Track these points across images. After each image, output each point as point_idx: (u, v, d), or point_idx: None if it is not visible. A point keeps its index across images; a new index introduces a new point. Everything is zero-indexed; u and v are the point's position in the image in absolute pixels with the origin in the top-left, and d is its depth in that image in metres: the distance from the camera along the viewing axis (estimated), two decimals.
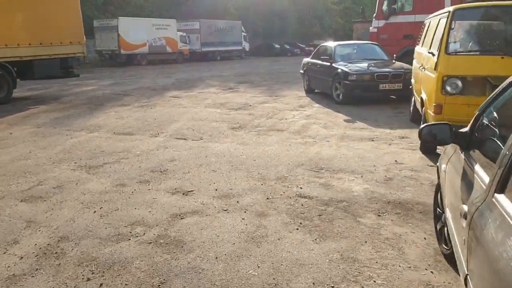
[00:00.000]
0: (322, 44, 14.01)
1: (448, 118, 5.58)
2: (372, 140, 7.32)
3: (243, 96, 13.65)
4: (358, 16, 65.68)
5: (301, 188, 4.97)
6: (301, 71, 14.69)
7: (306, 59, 14.44)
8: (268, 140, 7.43)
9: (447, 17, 5.84)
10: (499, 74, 5.35)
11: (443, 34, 5.79)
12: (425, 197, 4.65)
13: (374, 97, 11.13)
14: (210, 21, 40.53)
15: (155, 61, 33.31)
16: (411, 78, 10.65)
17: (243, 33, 46.34)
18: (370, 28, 15.23)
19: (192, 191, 4.93)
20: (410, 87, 9.39)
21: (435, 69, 5.73)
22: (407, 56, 13.53)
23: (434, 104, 5.65)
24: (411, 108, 8.83)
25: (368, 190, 4.87)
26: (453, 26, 5.78)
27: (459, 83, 5.48)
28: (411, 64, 12.43)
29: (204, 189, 4.97)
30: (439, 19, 6.57)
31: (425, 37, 7.85)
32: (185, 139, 7.64)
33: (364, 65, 11.41)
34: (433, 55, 5.95)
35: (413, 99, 8.75)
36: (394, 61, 12.22)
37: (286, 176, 5.42)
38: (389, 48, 13.11)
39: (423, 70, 6.72)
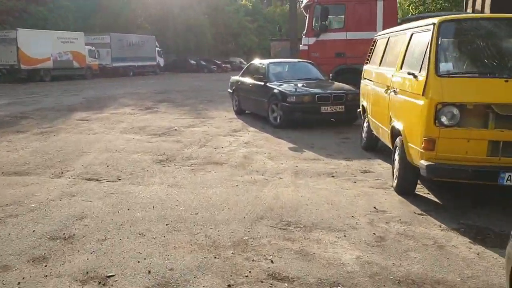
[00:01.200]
0: (252, 62, 12.79)
1: (443, 156, 4.47)
2: (332, 176, 6.08)
3: (165, 117, 12.00)
4: (272, 34, 66.72)
5: (271, 262, 3.52)
6: (230, 90, 13.35)
7: (235, 78, 13.13)
8: (208, 179, 5.93)
9: (432, 31, 4.76)
10: (504, 101, 4.33)
11: (428, 52, 4.69)
12: (440, 269, 3.42)
13: (314, 120, 10.02)
14: (121, 35, 38.20)
15: (60, 77, 30.31)
16: (353, 100, 9.73)
17: (157, 48, 44.36)
18: (300, 45, 14.28)
19: (112, 276, 3.30)
20: (359, 110, 8.38)
21: (423, 94, 4.60)
22: (340, 75, 12.78)
23: (424, 138, 4.49)
24: (364, 135, 7.77)
25: (363, 261, 3.54)
26: (439, 42, 4.71)
27: (457, 112, 4.38)
28: (347, 83, 11.64)
29: (130, 272, 3.36)
30: (411, 34, 5.52)
31: (383, 55, 6.82)
32: (98, 180, 5.91)
33: (301, 85, 10.30)
34: (415, 76, 4.83)
35: (365, 125, 7.70)
36: (330, 80, 11.27)
37: (245, 239, 3.96)
38: (321, 67, 12.19)
39: (393, 93, 5.62)
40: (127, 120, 11.58)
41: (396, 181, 5.39)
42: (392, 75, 5.78)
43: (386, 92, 5.97)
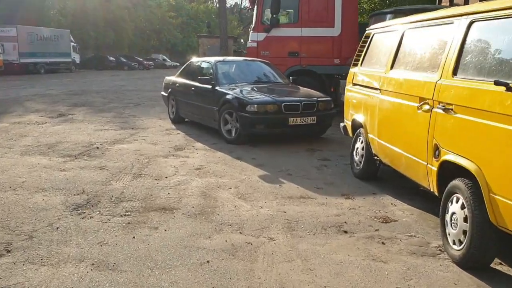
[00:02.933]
0: (194, 60, 10.54)
1: None
2: (345, 232, 4.10)
3: (84, 128, 9.43)
4: (196, 31, 64.20)
5: None
6: (164, 93, 11.00)
7: (171, 78, 10.81)
8: (156, 247, 3.70)
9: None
10: None
11: None
12: None
13: (279, 134, 8.01)
14: (30, 28, 34.00)
15: None
16: (325, 110, 7.86)
17: (73, 44, 40.36)
18: (248, 42, 12.22)
19: None
20: (343, 125, 6.51)
21: None
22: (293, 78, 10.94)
23: None
24: (358, 159, 5.89)
25: None
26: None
27: None
28: (305, 87, 9.82)
29: None
30: (470, 23, 3.65)
31: (397, 54, 4.95)
32: None
33: (261, 90, 8.27)
34: (509, 88, 2.95)
35: (359, 145, 5.82)
36: (291, 84, 9.34)
37: None
38: None
39: (441, 111, 3.72)
40: (33, 133, 8.89)
41: (463, 253, 3.45)
42: (438, 83, 3.88)
43: (422, 108, 4.06)
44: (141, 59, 50.52)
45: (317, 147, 7.71)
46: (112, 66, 44.09)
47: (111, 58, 45.73)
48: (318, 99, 8.00)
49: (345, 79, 12.37)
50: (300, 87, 9.13)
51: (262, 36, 11.69)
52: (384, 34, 5.55)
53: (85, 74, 33.81)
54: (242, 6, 77.05)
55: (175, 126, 9.95)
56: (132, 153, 7.20)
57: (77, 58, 41.20)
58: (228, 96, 8.00)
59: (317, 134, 8.45)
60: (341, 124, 6.64)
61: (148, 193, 5.13)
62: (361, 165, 5.73)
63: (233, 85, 8.58)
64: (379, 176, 5.78)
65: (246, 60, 9.82)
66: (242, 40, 46.76)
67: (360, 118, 5.73)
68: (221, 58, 9.69)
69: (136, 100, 15.42)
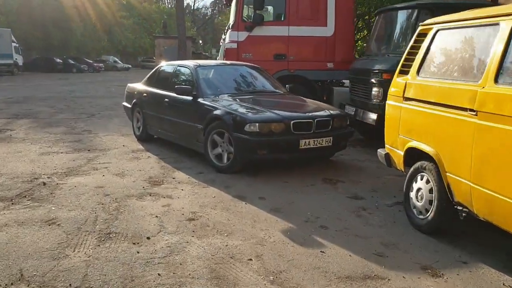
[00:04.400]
0: (165, 64, 8.61)
1: None
2: None
3: (26, 152, 7.33)
4: (149, 32, 61.47)
5: None
6: (126, 105, 9.01)
7: (135, 86, 8.84)
8: None
9: None
10: None
11: None
12: None
13: (285, 160, 6.26)
14: None
15: None
16: (341, 128, 6.21)
17: (15, 44, 36.93)
18: (226, 42, 10.42)
19: None
20: (385, 152, 4.85)
21: None
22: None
23: None
24: (420, 205, 4.24)
25: None
26: None
27: None
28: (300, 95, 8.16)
29: None
30: None
31: (502, 61, 3.32)
32: None
33: (259, 103, 6.52)
34: None
35: (426, 186, 4.18)
36: (289, 94, 7.63)
37: None
38: None
39: None
40: None
41: None
42: None
43: None
44: (91, 61, 47.63)
45: (335, 177, 6.02)
46: (60, 69, 41.04)
47: (58, 60, 42.66)
48: (334, 114, 6.31)
49: (340, 85, 10.90)
50: (303, 98, 7.43)
51: (243, 35, 9.95)
52: (466, 31, 3.90)
53: (29, 78, 30.77)
54: (194, 7, 75.01)
55: (143, 146, 8.00)
56: (93, 192, 5.25)
57: (20, 59, 37.81)
58: (217, 112, 6.17)
59: (326, 156, 6.76)
60: (380, 151, 4.97)
61: (126, 276, 3.25)
62: (430, 215, 4.06)
63: (221, 96, 6.76)
64: (460, 231, 4.15)
65: (232, 64, 7.99)
66: (200, 41, 44.75)
67: (426, 147, 4.07)
68: (201, 62, 7.83)
69: (89, 110, 13.24)
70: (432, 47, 4.30)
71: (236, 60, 9.72)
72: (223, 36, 26.05)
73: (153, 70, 8.59)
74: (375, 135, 8.42)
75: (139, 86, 8.66)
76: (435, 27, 4.31)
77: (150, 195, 5.18)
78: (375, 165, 6.74)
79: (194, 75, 7.06)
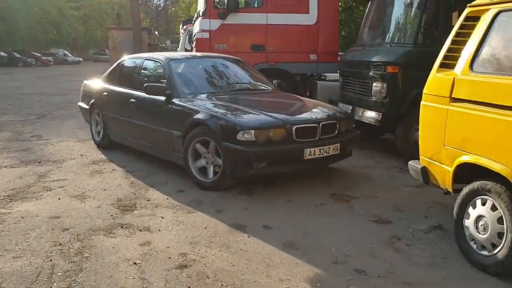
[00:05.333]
0: (129, 58, 7.32)
1: None
2: None
3: None
4: (99, 23, 58.77)
5: None
6: (83, 105, 7.71)
7: (94, 83, 7.56)
8: None
9: None
10: None
11: None
12: None
13: (286, 173, 5.17)
14: None
15: None
16: (347, 132, 5.23)
17: None
18: (196, 31, 9.23)
19: None
20: (421, 166, 3.90)
21: None
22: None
23: None
24: (484, 237, 3.30)
25: None
26: None
27: None
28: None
29: None
30: None
31: None
32: None
33: (249, 104, 5.44)
34: None
35: (493, 214, 3.24)
36: (279, 91, 6.58)
37: None
38: None
39: None
40: None
41: None
42: None
43: None
44: (39, 55, 44.82)
45: (344, 191, 5.02)
46: (4, 63, 38.37)
47: (2, 54, 39.83)
48: (338, 115, 5.31)
49: (321, 79, 9.92)
50: (297, 95, 6.40)
51: (216, 24, 8.80)
52: None
53: None
54: None
55: (105, 155, 6.75)
56: (46, 225, 4.03)
57: None
58: (199, 116, 5.04)
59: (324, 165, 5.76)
60: (414, 165, 4.00)
61: None
62: (500, 252, 3.11)
63: (200, 95, 5.62)
64: None
65: (210, 57, 6.83)
66: (156, 33, 42.90)
67: (493, 164, 3.11)
68: (173, 55, 6.63)
69: (39, 109, 11.72)
70: (491, 34, 3.33)
71: (208, 51, 8.59)
72: (181, 26, 24.65)
73: (114, 65, 7.31)
74: (373, 135, 7.53)
75: (98, 83, 7.37)
76: (494, 8, 3.35)
77: (122, 227, 4.02)
78: (383, 172, 5.82)
79: (167, 70, 5.87)
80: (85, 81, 8.05)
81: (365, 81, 6.60)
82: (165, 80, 5.81)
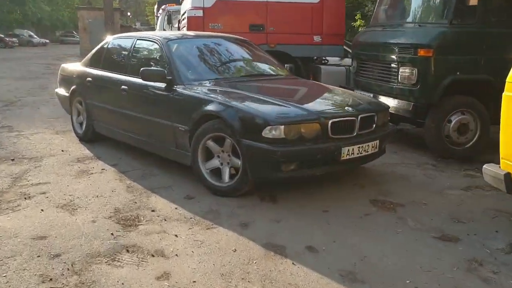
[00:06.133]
0: (118, 38, 6.36)
1: None
2: None
3: None
4: (66, 3, 56.32)
5: None
6: (62, 92, 6.73)
7: (74, 67, 6.58)
8: None
9: None
10: None
11: None
12: None
13: (318, 175, 4.33)
14: None
15: None
16: (385, 126, 4.47)
17: None
18: (189, 9, 8.25)
19: None
20: (505, 173, 3.16)
21: None
22: None
23: None
24: None
25: None
26: None
27: None
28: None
29: None
30: None
31: None
32: None
33: (268, 93, 4.61)
34: None
35: None
36: (294, 76, 5.76)
37: None
38: None
39: None
40: None
41: None
42: None
43: None
44: (2, 35, 42.46)
45: (384, 196, 4.28)
46: None
47: None
48: (376, 107, 4.54)
49: (326, 64, 9.12)
50: (319, 82, 5.59)
51: (210, 1, 7.85)
52: None
53: None
54: None
55: (91, 150, 5.83)
56: (28, 250, 3.14)
57: None
58: (212, 107, 4.18)
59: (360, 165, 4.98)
60: (491, 169, 3.27)
61: None
62: None
63: (208, 82, 4.74)
64: None
65: (211, 36, 5.89)
66: (129, 14, 41.19)
67: None
68: (170, 34, 5.67)
69: (6, 95, 10.56)
70: None
71: (201, 31, 7.68)
72: (156, 7, 23.31)
73: (99, 46, 6.33)
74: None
75: (79, 67, 6.39)
76: None
77: (128, 251, 3.16)
78: (416, 171, 5.11)
79: (166, 52, 4.95)
80: (63, 65, 7.04)
81: (389, 65, 5.84)
82: (163, 64, 4.89)
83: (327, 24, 8.23)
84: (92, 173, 4.91)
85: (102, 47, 6.17)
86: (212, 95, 4.36)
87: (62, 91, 6.76)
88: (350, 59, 9.32)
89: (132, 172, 4.96)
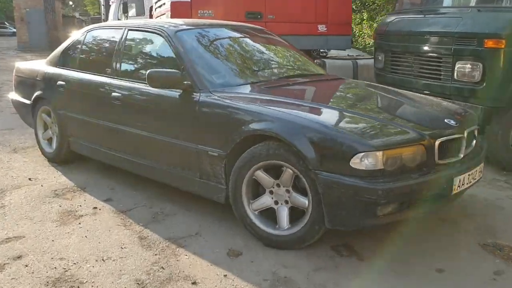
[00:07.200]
0: (104, 27, 4.88)
1: None
2: None
3: None
4: None
5: None
6: (21, 99, 5.25)
7: (38, 67, 5.10)
8: None
9: None
10: None
11: None
12: None
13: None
14: None
15: None
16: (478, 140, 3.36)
17: None
18: None
19: None
20: None
21: None
22: None
23: None
24: None
25: None
26: None
27: None
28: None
29: None
30: None
31: None
32: None
33: (337, 102, 3.46)
34: None
35: None
36: (329, 73, 4.59)
37: None
38: None
39: None
40: None
41: None
42: None
43: None
44: None
45: (493, 238, 3.22)
46: None
47: None
48: (470, 115, 3.46)
49: (325, 57, 8.00)
50: (375, 84, 4.45)
51: None
52: None
53: None
54: None
55: (67, 175, 4.45)
56: None
57: None
58: (265, 124, 2.97)
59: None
60: None
61: None
62: None
63: (241, 87, 3.50)
64: None
65: (224, 26, 4.54)
66: (71, 3, 38.39)
67: None
68: (177, 22, 4.27)
69: None
70: None
71: (185, 17, 6.39)
72: None
73: (71, 40, 4.88)
74: None
75: (45, 67, 4.93)
76: None
77: None
78: (495, 192, 4.11)
79: (177, 47, 3.65)
80: (18, 64, 5.53)
81: (440, 60, 4.80)
82: (172, 63, 3.59)
83: (332, 11, 7.13)
84: (81, 216, 3.56)
85: (76, 41, 4.73)
86: (257, 106, 3.12)
87: (19, 97, 5.27)
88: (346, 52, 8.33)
89: (136, 210, 3.66)
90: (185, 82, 3.41)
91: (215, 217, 3.46)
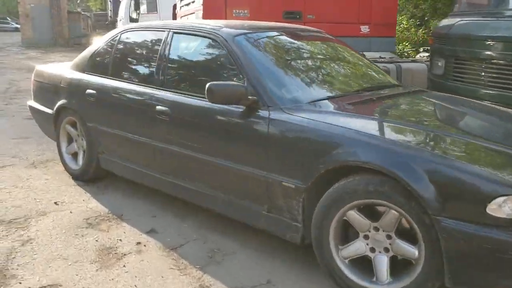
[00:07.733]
0: (137, 29, 4.24)
1: None
2: None
3: None
4: None
5: None
6: (42, 108, 4.67)
7: (62, 72, 4.50)
8: None
9: None
10: None
11: None
12: None
13: None
14: None
15: None
16: None
17: None
18: None
19: None
20: None
21: None
22: None
23: None
24: None
25: None
26: None
27: None
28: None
29: None
30: None
31: None
32: None
33: (456, 124, 2.89)
34: None
35: None
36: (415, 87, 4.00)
37: None
38: None
39: None
40: None
41: None
42: None
43: None
44: None
45: None
46: None
47: None
48: None
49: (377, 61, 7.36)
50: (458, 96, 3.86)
51: None
52: None
53: None
54: None
55: (99, 199, 3.86)
56: None
57: None
58: (365, 154, 2.37)
59: None
60: None
61: None
62: None
63: (319, 103, 2.91)
64: None
65: (282, 28, 3.92)
66: None
67: None
68: (232, 24, 3.67)
69: None
70: None
71: (222, 18, 5.87)
72: None
73: (103, 42, 4.28)
74: None
75: (71, 73, 4.35)
76: None
77: None
78: None
79: (237, 56, 3.07)
80: (38, 67, 4.94)
81: None
82: (231, 75, 3.01)
83: (376, 11, 6.54)
84: (124, 254, 2.98)
85: (109, 44, 4.14)
86: (351, 130, 2.53)
87: (41, 106, 4.69)
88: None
89: (189, 246, 3.09)
90: (250, 97, 2.82)
91: (286, 259, 2.89)
